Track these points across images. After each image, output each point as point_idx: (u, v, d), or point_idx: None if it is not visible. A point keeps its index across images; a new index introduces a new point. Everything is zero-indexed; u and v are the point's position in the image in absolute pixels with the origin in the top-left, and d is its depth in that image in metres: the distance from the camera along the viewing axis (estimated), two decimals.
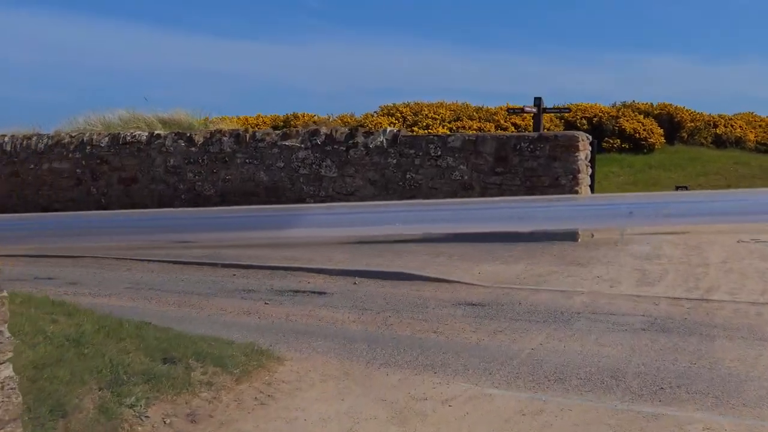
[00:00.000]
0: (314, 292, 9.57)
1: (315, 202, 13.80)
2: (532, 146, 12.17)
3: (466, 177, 12.78)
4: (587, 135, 12.25)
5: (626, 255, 10.46)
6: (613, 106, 34.23)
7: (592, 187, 12.46)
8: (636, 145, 31.19)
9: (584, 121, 32.32)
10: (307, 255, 11.65)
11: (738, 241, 11.34)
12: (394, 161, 13.40)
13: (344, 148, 13.70)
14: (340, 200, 13.61)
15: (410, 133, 14.82)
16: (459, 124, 31.11)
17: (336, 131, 13.96)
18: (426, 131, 27.23)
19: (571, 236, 11.85)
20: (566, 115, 32.71)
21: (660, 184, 25.56)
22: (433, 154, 13.08)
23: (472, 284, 9.41)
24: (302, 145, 14.06)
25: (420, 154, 13.22)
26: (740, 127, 34.23)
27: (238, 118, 32.10)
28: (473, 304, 8.44)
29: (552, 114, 14.57)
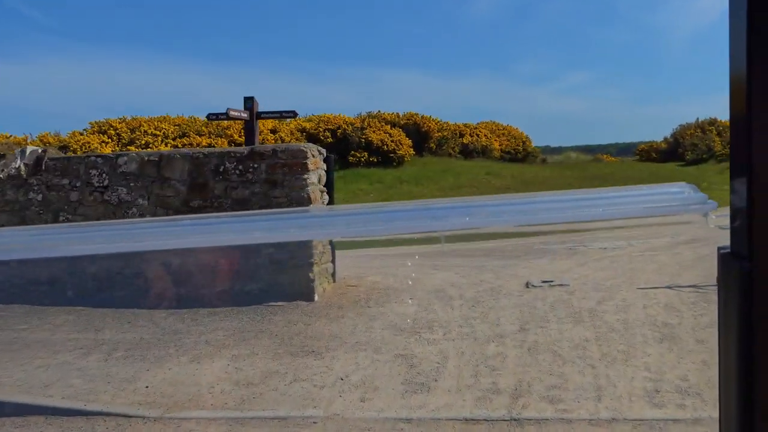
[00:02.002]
0: None
1: None
2: (241, 167, 8.30)
3: (147, 216, 8.55)
4: (320, 148, 8.66)
5: (383, 324, 6.97)
6: (359, 116, 31.84)
7: None
8: (385, 158, 28.89)
9: (328, 134, 29.40)
10: None
11: (527, 285, 8.44)
12: (39, 197, 8.77)
13: None
14: None
15: (62, 155, 10.20)
16: (186, 140, 26.51)
17: None
18: (145, 150, 22.32)
19: (306, 294, 8.17)
20: (307, 125, 29.53)
21: (413, 200, 23.21)
22: (97, 184, 8.69)
23: (129, 416, 5.29)
24: None
25: (78, 185, 8.74)
26: (485, 136, 33.70)
27: None
28: None
29: (272, 120, 10.51)
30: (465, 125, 34.58)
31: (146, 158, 8.56)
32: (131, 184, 8.56)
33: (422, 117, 32.44)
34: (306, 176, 8.13)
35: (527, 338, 6.21)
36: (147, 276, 8.42)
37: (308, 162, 8.13)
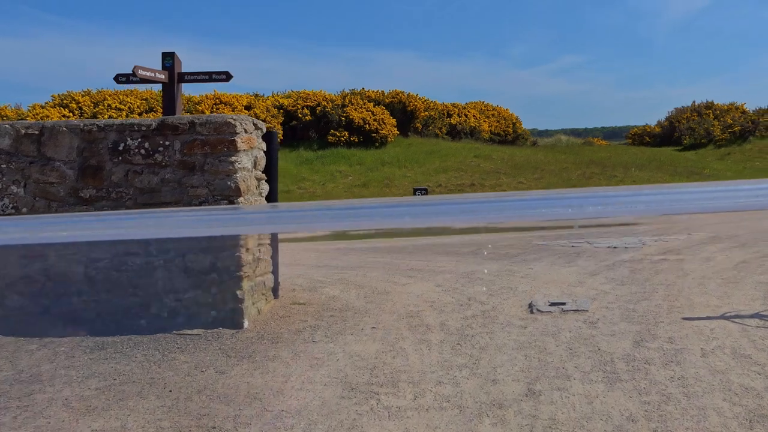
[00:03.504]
0: None
1: None
2: (148, 145, 6.10)
3: (24, 209, 6.35)
4: (257, 121, 6.46)
5: (329, 374, 4.84)
6: (341, 93, 29.53)
7: None
8: (367, 138, 26.63)
9: (307, 111, 27.08)
10: None
11: (531, 309, 6.31)
12: None
13: None
14: None
15: None
16: (152, 115, 24.23)
17: None
18: None
19: (231, 320, 6.03)
20: (285, 102, 27.12)
21: (394, 184, 21.08)
22: None
23: None
24: None
25: None
26: (474, 116, 31.51)
27: None
28: None
29: (198, 81, 8.08)
30: (453, 105, 32.38)
31: (23, 131, 6.34)
32: (3, 166, 6.35)
33: (408, 95, 30.18)
34: (234, 158, 5.95)
35: (539, 410, 4.10)
36: (13, 285, 6.23)
37: (237, 139, 5.94)
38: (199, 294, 6.03)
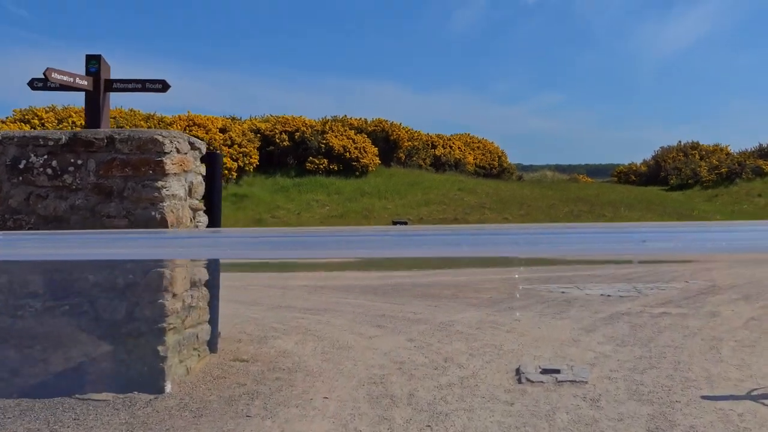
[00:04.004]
0: None
1: None
2: (56, 163, 5.00)
3: None
4: (193, 139, 5.37)
5: None
6: (321, 119, 28.59)
7: None
8: (347, 166, 25.64)
9: (285, 136, 26.06)
10: None
11: (518, 378, 5.19)
12: None
13: None
14: None
15: None
16: None
17: None
18: None
19: (151, 382, 4.88)
20: (262, 126, 26.09)
21: (374, 215, 20.02)
22: None
23: None
24: None
25: None
26: (459, 148, 30.67)
27: None
28: None
29: (130, 90, 6.91)
30: (438, 136, 31.56)
31: None
32: None
33: (391, 124, 29.29)
34: (161, 183, 4.86)
35: None
36: None
37: (166, 160, 4.86)
38: (112, 349, 4.89)
